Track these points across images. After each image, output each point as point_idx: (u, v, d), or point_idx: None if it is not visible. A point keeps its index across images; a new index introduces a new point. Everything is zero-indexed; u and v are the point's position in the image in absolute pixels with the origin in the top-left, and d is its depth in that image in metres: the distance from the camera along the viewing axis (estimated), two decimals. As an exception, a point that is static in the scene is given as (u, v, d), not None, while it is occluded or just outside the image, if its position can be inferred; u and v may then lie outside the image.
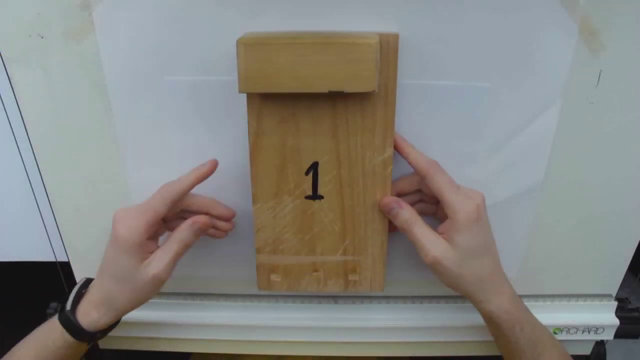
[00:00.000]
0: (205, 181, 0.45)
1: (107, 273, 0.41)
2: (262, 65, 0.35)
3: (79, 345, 0.42)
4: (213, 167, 0.42)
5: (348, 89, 0.36)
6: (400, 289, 0.52)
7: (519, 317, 0.42)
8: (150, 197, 0.41)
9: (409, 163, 0.41)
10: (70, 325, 0.41)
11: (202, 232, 0.43)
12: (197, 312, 0.53)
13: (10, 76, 0.41)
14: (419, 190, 0.44)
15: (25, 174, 0.47)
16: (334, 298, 0.53)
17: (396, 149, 0.41)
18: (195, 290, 0.53)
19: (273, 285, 0.46)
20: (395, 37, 0.37)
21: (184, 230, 0.42)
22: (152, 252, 0.41)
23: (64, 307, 0.42)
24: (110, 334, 0.55)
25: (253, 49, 0.35)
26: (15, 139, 0.45)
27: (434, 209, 0.45)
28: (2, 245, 0.51)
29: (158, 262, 0.41)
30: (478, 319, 0.52)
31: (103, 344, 0.56)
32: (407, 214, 0.41)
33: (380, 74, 0.38)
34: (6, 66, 0.41)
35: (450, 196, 0.39)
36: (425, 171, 0.40)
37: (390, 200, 0.42)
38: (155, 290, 0.42)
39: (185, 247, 0.42)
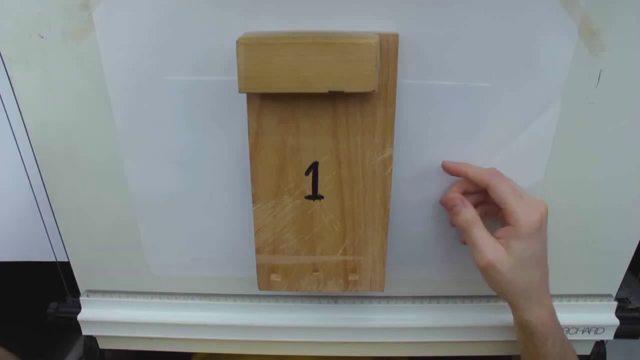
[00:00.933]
0: (206, 181, 0.45)
1: None
2: (262, 65, 0.35)
3: None
4: None
5: (348, 89, 0.36)
6: (400, 289, 0.52)
7: (553, 332, 0.43)
8: None
9: (471, 180, 0.42)
10: None
11: None
12: (197, 312, 0.53)
13: (10, 76, 0.41)
14: (483, 191, 0.43)
15: (25, 174, 0.47)
16: (334, 298, 0.53)
17: (452, 174, 0.42)
18: (195, 290, 0.53)
19: (273, 285, 0.46)
20: (395, 37, 0.37)
21: None
22: None
23: None
24: (110, 334, 0.55)
25: (253, 49, 0.35)
26: (15, 139, 0.45)
27: (496, 210, 0.44)
28: (2, 245, 0.51)
29: None
30: (478, 320, 0.52)
31: (103, 344, 0.56)
32: (469, 214, 0.41)
33: (380, 74, 0.38)
34: (6, 66, 0.41)
35: (513, 204, 0.40)
36: (487, 183, 0.40)
37: (455, 196, 0.42)
38: None
39: None
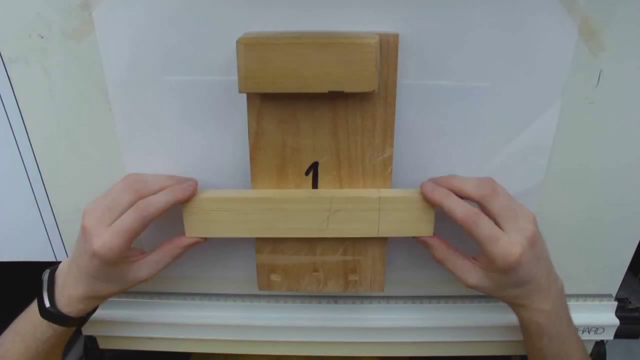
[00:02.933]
0: (206, 181, 0.45)
1: (92, 276, 0.41)
2: (262, 65, 0.35)
3: (69, 329, 0.44)
4: (193, 193, 0.42)
5: (348, 89, 0.36)
6: (400, 289, 0.52)
7: (551, 330, 0.42)
8: (123, 205, 0.40)
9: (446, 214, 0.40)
10: (58, 319, 0.42)
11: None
12: (197, 312, 0.53)
13: (10, 76, 0.41)
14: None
15: (25, 174, 0.47)
16: (334, 298, 0.53)
17: (429, 202, 0.40)
18: (195, 290, 0.53)
19: (273, 285, 0.46)
20: (395, 37, 0.37)
21: (179, 248, 0.43)
22: (132, 255, 0.43)
23: (42, 304, 0.42)
24: (110, 334, 0.55)
25: (253, 49, 0.35)
26: (15, 139, 0.45)
27: None
28: (2, 245, 0.51)
29: (149, 269, 0.43)
30: (478, 320, 0.52)
31: (103, 344, 0.56)
32: (435, 253, 0.42)
33: (380, 74, 0.38)
34: (6, 66, 0.41)
35: (487, 249, 0.38)
36: (462, 224, 0.39)
37: (422, 241, 0.43)
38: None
39: (175, 260, 0.44)
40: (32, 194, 0.48)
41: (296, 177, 0.41)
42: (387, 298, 0.53)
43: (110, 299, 0.53)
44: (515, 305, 0.43)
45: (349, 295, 0.52)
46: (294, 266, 0.45)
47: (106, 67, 0.41)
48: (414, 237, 0.43)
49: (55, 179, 0.46)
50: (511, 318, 0.51)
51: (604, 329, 0.53)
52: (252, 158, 0.41)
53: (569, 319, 0.44)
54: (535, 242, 0.39)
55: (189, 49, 0.40)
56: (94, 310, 0.46)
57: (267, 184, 0.42)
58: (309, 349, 0.55)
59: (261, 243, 0.44)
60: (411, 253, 0.49)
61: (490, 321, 0.52)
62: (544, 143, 0.43)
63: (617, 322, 0.52)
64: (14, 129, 0.44)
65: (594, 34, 0.38)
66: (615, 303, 0.52)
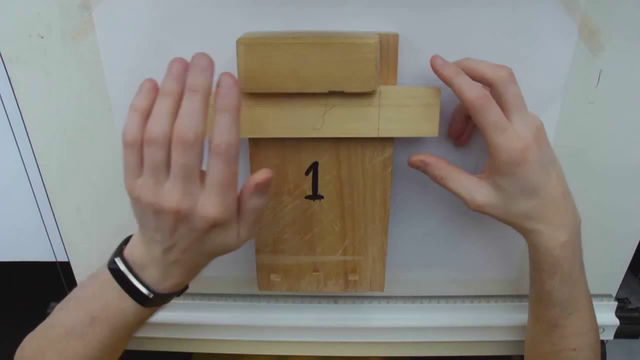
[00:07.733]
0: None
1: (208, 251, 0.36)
2: (262, 65, 0.35)
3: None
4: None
5: (348, 89, 0.36)
6: (400, 289, 0.52)
7: (564, 266, 0.39)
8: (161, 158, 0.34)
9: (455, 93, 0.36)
10: (161, 301, 0.37)
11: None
12: (197, 312, 0.53)
13: (10, 76, 0.41)
14: None
15: (25, 174, 0.47)
16: (334, 298, 0.53)
17: (440, 77, 0.37)
18: (195, 290, 0.53)
19: (273, 285, 0.46)
20: (395, 37, 0.37)
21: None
22: None
23: (145, 298, 0.36)
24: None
25: (253, 49, 0.35)
26: (15, 139, 0.45)
27: None
28: (2, 245, 0.51)
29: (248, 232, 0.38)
30: (478, 320, 0.52)
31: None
32: (435, 171, 0.39)
33: (380, 74, 0.38)
34: (6, 66, 0.41)
35: (492, 138, 0.35)
36: (469, 107, 0.35)
37: (413, 160, 0.39)
38: None
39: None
40: (32, 194, 0.48)
41: (296, 177, 0.41)
42: (387, 298, 0.53)
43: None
44: (530, 232, 0.39)
45: (349, 295, 0.52)
46: (294, 266, 0.45)
47: (106, 67, 0.41)
48: (409, 162, 0.40)
49: (55, 179, 0.46)
50: (511, 318, 0.52)
51: (604, 329, 0.53)
52: (252, 158, 0.41)
53: (581, 265, 0.41)
54: (541, 140, 0.36)
55: (189, 49, 0.40)
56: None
57: (267, 184, 0.42)
58: (309, 349, 0.55)
59: (261, 243, 0.44)
60: (411, 253, 0.49)
61: (490, 321, 0.52)
62: (544, 143, 0.43)
63: (617, 322, 0.52)
64: (14, 129, 0.44)
65: (594, 34, 0.39)
66: (615, 303, 0.52)
